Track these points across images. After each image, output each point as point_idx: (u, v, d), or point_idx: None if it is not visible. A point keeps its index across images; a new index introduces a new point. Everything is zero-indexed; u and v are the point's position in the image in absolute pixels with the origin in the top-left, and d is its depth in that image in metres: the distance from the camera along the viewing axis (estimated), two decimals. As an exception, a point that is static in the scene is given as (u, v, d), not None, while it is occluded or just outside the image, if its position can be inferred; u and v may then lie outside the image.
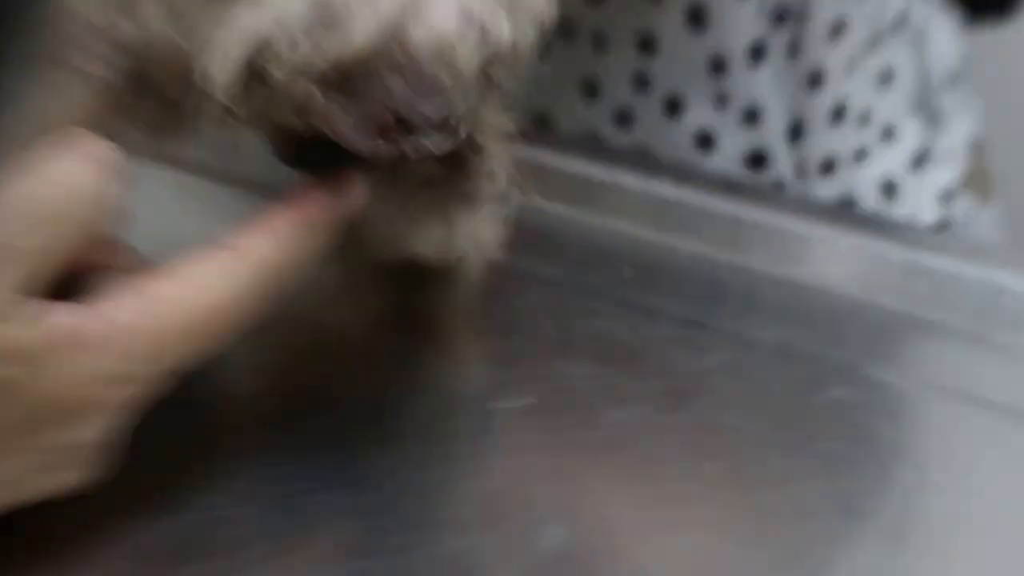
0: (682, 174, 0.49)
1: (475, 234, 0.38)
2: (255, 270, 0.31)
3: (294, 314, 0.41)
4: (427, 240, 0.38)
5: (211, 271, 0.31)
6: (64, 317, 0.29)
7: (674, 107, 0.54)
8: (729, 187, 0.48)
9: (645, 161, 0.51)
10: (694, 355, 0.40)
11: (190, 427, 0.36)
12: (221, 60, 0.30)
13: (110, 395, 0.29)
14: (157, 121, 0.33)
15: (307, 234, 0.32)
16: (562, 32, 0.55)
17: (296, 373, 0.39)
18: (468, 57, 0.30)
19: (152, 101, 0.33)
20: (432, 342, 0.41)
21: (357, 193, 0.33)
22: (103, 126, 0.32)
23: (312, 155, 0.33)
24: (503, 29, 0.31)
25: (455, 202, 0.36)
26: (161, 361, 0.30)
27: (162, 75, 0.32)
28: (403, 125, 0.31)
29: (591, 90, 0.56)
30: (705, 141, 0.54)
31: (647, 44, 0.54)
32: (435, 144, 0.31)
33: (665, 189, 0.47)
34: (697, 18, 0.52)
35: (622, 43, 0.54)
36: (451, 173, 0.35)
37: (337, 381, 0.39)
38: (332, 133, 0.31)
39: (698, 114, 0.54)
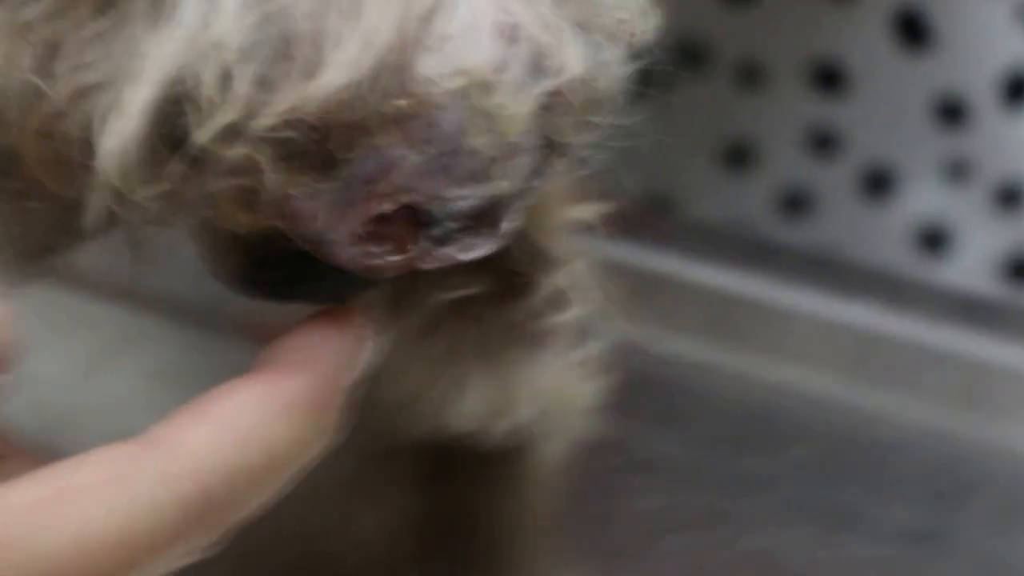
0: (894, 293, 0.50)
1: (547, 395, 0.39)
2: (197, 484, 0.30)
3: (285, 532, 0.41)
4: (467, 409, 0.38)
5: (124, 479, 0.29)
6: None
7: (879, 183, 0.54)
8: (973, 313, 0.49)
9: (831, 271, 0.52)
10: None
11: None
12: (113, 117, 0.30)
13: None
14: (17, 209, 0.33)
15: (291, 424, 0.31)
16: (688, 60, 0.56)
17: None
18: (515, 102, 0.30)
19: (10, 192, 0.33)
20: (489, 571, 0.42)
21: (369, 333, 0.33)
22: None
23: (266, 272, 0.33)
24: (571, 54, 0.30)
25: (504, 344, 0.37)
26: None
27: (23, 147, 0.32)
28: (411, 220, 0.30)
29: (739, 156, 0.57)
30: (932, 239, 0.55)
31: (830, 77, 0.54)
32: (464, 249, 0.31)
33: (865, 317, 0.48)
34: (913, 31, 0.52)
35: (788, 76, 0.54)
36: (495, 297, 0.36)
37: None
38: (295, 235, 0.31)
39: (919, 194, 0.54)
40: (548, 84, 0.31)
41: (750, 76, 0.57)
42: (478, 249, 0.31)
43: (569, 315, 0.36)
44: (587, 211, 0.37)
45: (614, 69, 0.32)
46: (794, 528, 0.43)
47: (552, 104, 0.31)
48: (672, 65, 0.43)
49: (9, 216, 0.33)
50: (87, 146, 0.30)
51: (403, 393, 0.39)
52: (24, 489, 0.29)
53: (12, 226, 0.34)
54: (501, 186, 0.31)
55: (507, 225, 0.32)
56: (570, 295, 0.36)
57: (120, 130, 0.30)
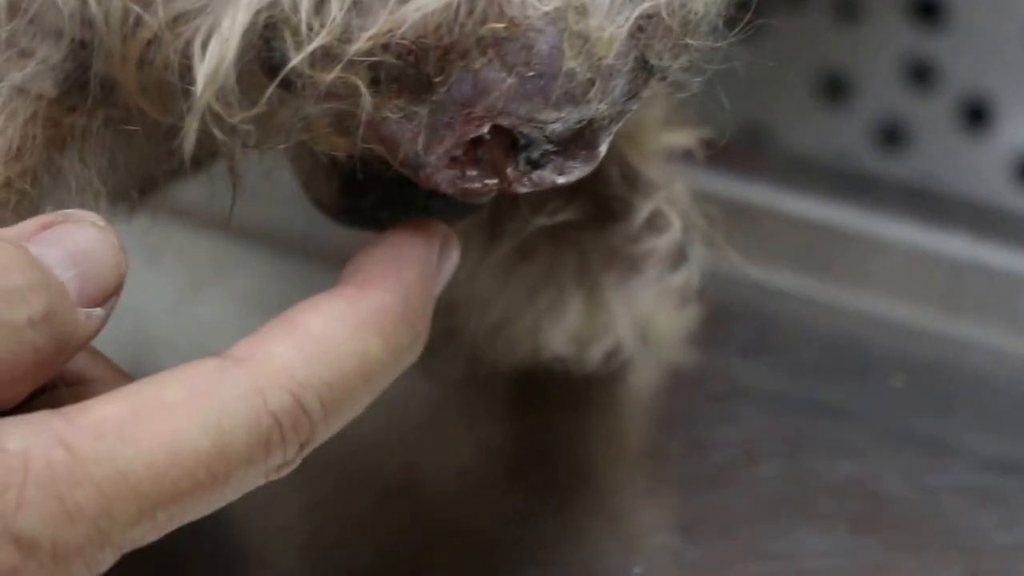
0: (989, 224, 0.50)
1: (642, 320, 0.39)
2: (289, 395, 0.30)
3: (368, 453, 0.42)
4: (563, 333, 0.38)
5: (212, 395, 0.30)
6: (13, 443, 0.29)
7: (976, 114, 0.55)
8: None
9: (925, 203, 0.52)
10: (1010, 519, 0.41)
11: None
12: (211, 42, 0.30)
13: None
14: (115, 148, 0.33)
15: (383, 332, 0.31)
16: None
17: (372, 540, 0.40)
18: (610, 25, 0.30)
19: (105, 116, 0.33)
20: (580, 496, 0.42)
21: (453, 249, 0.33)
22: (39, 167, 0.33)
23: (364, 198, 0.33)
24: None
25: (602, 268, 0.37)
26: (131, 522, 0.29)
27: (116, 71, 0.32)
28: (507, 143, 0.31)
29: (836, 87, 0.57)
30: None
31: (927, 8, 0.55)
32: (562, 171, 0.31)
33: (960, 247, 0.48)
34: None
35: (885, 6, 0.55)
36: (593, 221, 0.36)
37: (438, 555, 0.40)
38: (392, 159, 0.31)
39: (1017, 125, 0.55)
40: (644, 6, 0.30)
41: (848, 6, 0.56)
42: (574, 172, 0.31)
43: (666, 238, 0.36)
44: (683, 137, 0.37)
45: None
46: (885, 457, 0.43)
47: (648, 26, 0.31)
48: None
49: (112, 143, 0.33)
50: (185, 71, 0.30)
51: (501, 317, 0.39)
52: (112, 403, 0.29)
53: (115, 153, 0.34)
54: (596, 108, 0.30)
55: (603, 147, 0.31)
56: (667, 218, 0.36)
57: (217, 54, 0.30)
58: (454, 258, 0.34)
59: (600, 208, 0.36)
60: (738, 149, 0.55)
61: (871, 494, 0.41)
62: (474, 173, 0.31)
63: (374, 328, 0.31)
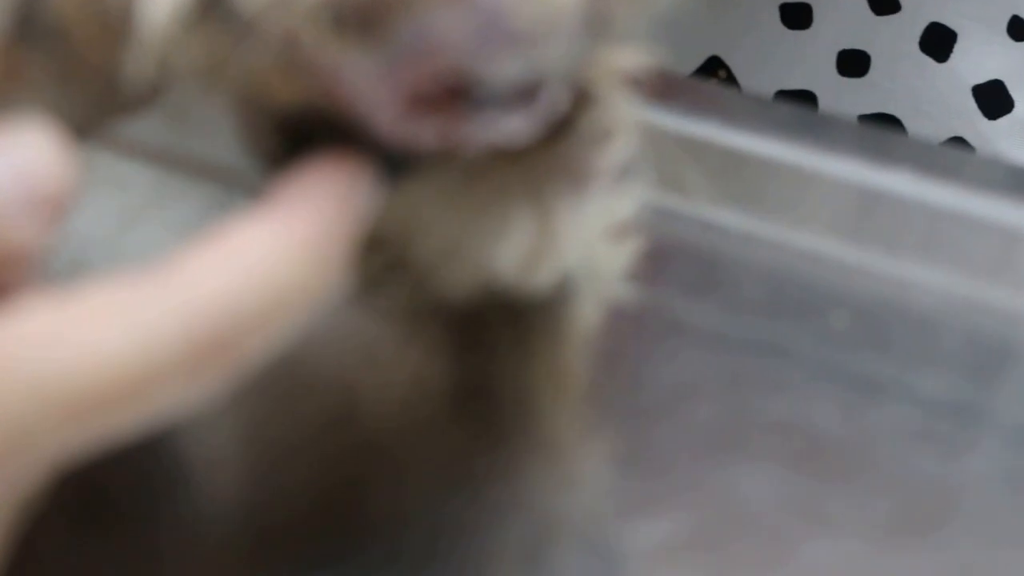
0: (938, 161, 0.50)
1: (587, 246, 0.39)
2: (202, 309, 0.30)
3: (305, 387, 0.42)
4: (509, 252, 0.38)
5: (136, 307, 0.30)
6: None
7: (940, 42, 0.57)
8: (1017, 182, 0.49)
9: (875, 140, 0.52)
10: (946, 457, 0.41)
11: (155, 547, 0.38)
12: None
13: None
14: (61, 84, 0.34)
15: (297, 256, 0.32)
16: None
17: (308, 474, 0.40)
18: None
19: (51, 54, 0.33)
20: (522, 431, 0.42)
21: (369, 176, 0.33)
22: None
23: (307, 146, 0.32)
24: None
25: (548, 182, 0.37)
26: (54, 429, 0.30)
27: (64, 10, 0.32)
28: (461, 94, 0.31)
29: (794, 14, 0.59)
30: (993, 92, 0.56)
31: None
32: (516, 125, 0.32)
33: (905, 185, 0.48)
34: None
35: None
36: (538, 138, 0.35)
37: (375, 487, 0.40)
38: (340, 108, 0.31)
39: (978, 52, 0.55)
40: None
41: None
42: (522, 123, 0.32)
43: (611, 153, 0.36)
44: (631, 58, 0.37)
45: None
46: (827, 395, 0.43)
47: None
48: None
49: (56, 98, 0.34)
50: (131, 15, 0.31)
51: (446, 243, 0.39)
52: (31, 316, 0.30)
53: (59, 107, 0.34)
54: (546, 57, 0.31)
55: (552, 99, 0.32)
56: (612, 132, 0.36)
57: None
58: (369, 192, 0.33)
59: (546, 125, 0.35)
60: (684, 81, 0.55)
61: (807, 432, 0.42)
62: (424, 122, 0.31)
63: (290, 260, 0.31)
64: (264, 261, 0.31)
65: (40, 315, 0.30)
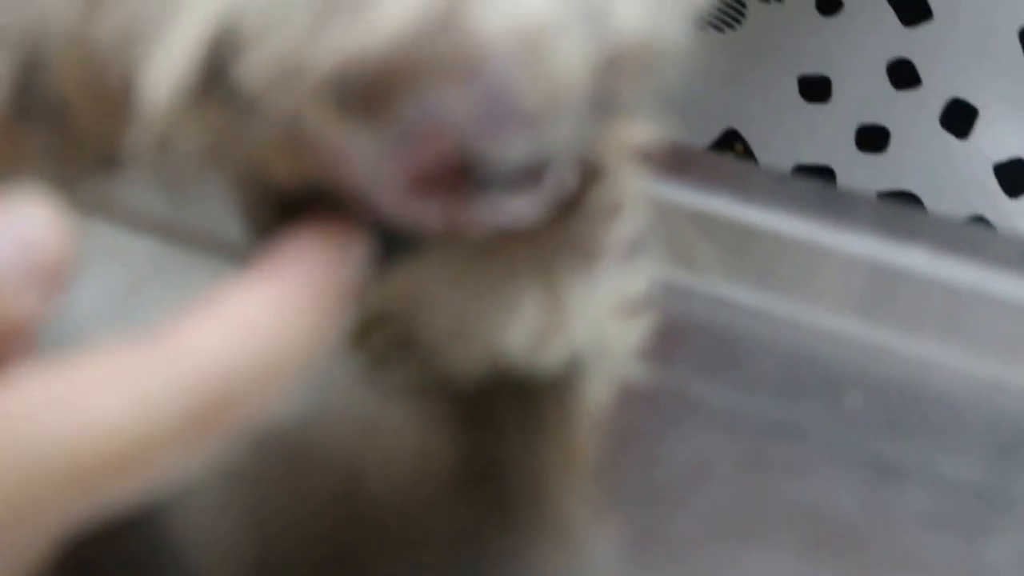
0: (957, 239, 0.50)
1: (597, 324, 0.39)
2: (199, 374, 0.31)
3: (311, 464, 0.42)
4: (518, 330, 0.38)
5: (134, 373, 0.30)
6: None
7: (961, 118, 0.57)
8: None
9: (893, 216, 0.52)
10: (967, 542, 0.41)
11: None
12: (159, 60, 0.30)
13: None
14: (60, 157, 0.34)
15: (291, 319, 0.32)
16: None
17: (314, 553, 0.40)
18: (575, 60, 0.30)
19: (50, 129, 0.33)
20: (531, 513, 0.42)
21: (361, 238, 0.33)
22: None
23: (304, 217, 0.33)
24: (631, 13, 0.31)
25: (558, 258, 0.37)
26: (55, 502, 0.29)
27: (65, 86, 0.32)
28: (466, 174, 0.31)
29: (813, 87, 0.58)
30: (1015, 170, 0.56)
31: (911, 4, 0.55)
32: (522, 207, 0.32)
33: (923, 263, 0.48)
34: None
35: (861, 3, 0.57)
36: (551, 213, 0.35)
37: (377, 566, 0.40)
38: (342, 187, 0.31)
39: (1000, 129, 0.55)
40: (606, 44, 0.31)
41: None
42: (528, 205, 0.32)
43: (621, 229, 0.37)
44: (644, 132, 0.37)
45: (675, 28, 0.32)
46: (845, 478, 0.43)
47: (609, 63, 0.31)
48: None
49: (54, 172, 0.34)
50: (132, 92, 0.31)
51: (455, 321, 0.39)
52: (30, 384, 0.30)
53: (57, 180, 0.34)
54: (554, 137, 0.31)
55: (560, 178, 0.32)
56: (622, 207, 0.37)
57: (170, 73, 0.31)
58: (361, 253, 0.34)
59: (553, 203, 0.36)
60: (699, 154, 0.56)
61: (825, 516, 0.42)
62: (429, 203, 0.32)
63: (285, 321, 0.32)
64: (258, 325, 0.32)
65: (39, 383, 0.30)
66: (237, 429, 0.31)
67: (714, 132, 0.64)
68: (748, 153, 0.64)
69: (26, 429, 0.29)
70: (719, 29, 0.63)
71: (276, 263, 0.32)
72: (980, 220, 0.61)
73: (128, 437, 0.30)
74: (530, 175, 0.32)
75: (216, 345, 0.31)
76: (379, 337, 0.40)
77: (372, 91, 0.31)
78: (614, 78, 0.32)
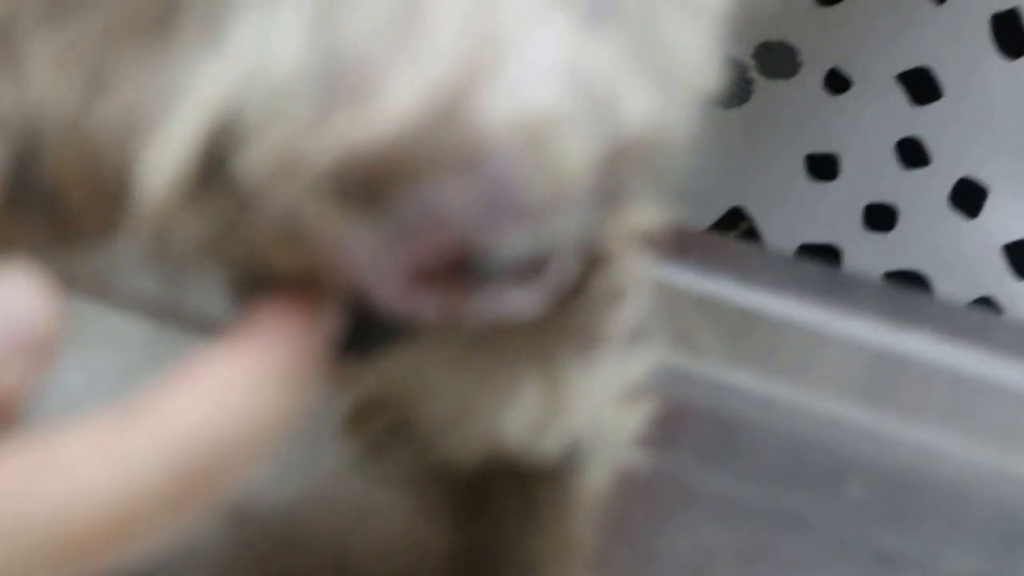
0: (961, 325, 0.50)
1: (597, 410, 0.39)
2: (180, 445, 0.31)
3: (302, 552, 0.42)
4: (517, 417, 0.38)
5: (117, 443, 0.30)
6: None
7: (970, 198, 0.56)
8: None
9: (896, 301, 0.52)
10: None
11: None
12: (157, 151, 0.30)
13: None
14: (54, 246, 0.34)
15: (266, 387, 0.32)
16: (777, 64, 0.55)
17: None
18: (580, 154, 0.30)
19: (45, 216, 0.33)
20: None
21: (331, 302, 0.33)
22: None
23: None
24: (637, 107, 0.30)
25: (558, 344, 0.37)
26: (44, 571, 0.29)
27: (60, 175, 0.32)
28: (466, 267, 0.31)
29: (820, 165, 0.58)
30: (1022, 254, 0.55)
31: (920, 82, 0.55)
32: (522, 300, 0.32)
33: (927, 349, 0.48)
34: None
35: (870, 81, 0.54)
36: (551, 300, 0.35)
37: None
38: (340, 280, 0.31)
39: (1010, 209, 0.54)
40: (611, 137, 0.30)
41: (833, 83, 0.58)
42: (529, 298, 0.32)
43: (623, 315, 0.36)
44: (646, 216, 0.37)
45: (681, 119, 0.32)
46: (847, 569, 0.43)
47: (614, 155, 0.31)
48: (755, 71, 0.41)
49: (49, 259, 0.33)
50: (128, 183, 0.31)
51: (453, 408, 0.39)
52: (15, 456, 0.29)
53: (51, 266, 0.33)
54: (556, 230, 0.31)
55: (561, 270, 0.32)
56: (623, 293, 0.36)
57: (165, 163, 0.30)
58: (332, 318, 0.33)
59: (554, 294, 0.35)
60: (701, 237, 0.56)
61: None
62: (428, 296, 0.31)
63: (264, 388, 0.32)
64: (236, 392, 0.32)
65: (24, 455, 0.30)
66: (219, 497, 0.32)
67: (719, 210, 0.64)
68: (753, 231, 0.64)
69: (12, 501, 0.30)
70: (725, 106, 0.63)
71: (248, 330, 0.33)
72: (988, 301, 0.61)
73: (113, 508, 0.30)
74: (532, 267, 0.32)
75: (197, 414, 0.31)
76: (376, 423, 0.39)
77: (372, 184, 0.30)
78: (620, 169, 0.31)
